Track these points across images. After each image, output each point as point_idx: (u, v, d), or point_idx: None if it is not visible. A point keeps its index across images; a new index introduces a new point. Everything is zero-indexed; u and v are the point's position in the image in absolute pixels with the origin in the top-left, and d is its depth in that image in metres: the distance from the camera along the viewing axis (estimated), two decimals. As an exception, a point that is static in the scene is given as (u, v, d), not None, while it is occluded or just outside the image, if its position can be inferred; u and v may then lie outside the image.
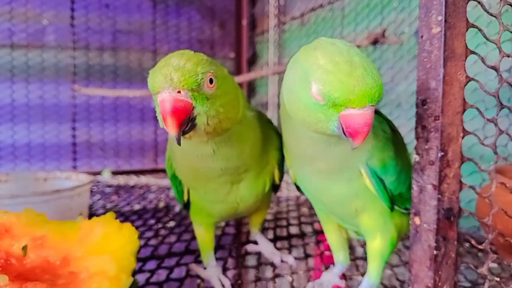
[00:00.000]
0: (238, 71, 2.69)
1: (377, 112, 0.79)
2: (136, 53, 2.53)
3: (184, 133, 0.70)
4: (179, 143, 0.69)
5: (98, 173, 2.31)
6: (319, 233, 1.31)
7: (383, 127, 0.78)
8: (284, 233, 1.34)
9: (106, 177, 2.27)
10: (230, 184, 0.91)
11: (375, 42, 1.64)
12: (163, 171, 2.39)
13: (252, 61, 2.73)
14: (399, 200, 0.80)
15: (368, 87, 0.59)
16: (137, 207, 1.67)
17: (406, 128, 1.45)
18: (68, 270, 0.75)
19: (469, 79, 0.65)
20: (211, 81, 0.71)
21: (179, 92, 0.68)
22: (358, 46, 1.70)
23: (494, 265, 1.00)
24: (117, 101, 2.49)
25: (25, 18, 2.33)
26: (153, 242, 1.23)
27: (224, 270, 1.04)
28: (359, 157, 0.75)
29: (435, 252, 0.65)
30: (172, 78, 0.67)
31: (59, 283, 0.70)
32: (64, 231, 0.83)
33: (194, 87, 0.69)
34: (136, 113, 2.53)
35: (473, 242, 0.73)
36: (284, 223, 1.44)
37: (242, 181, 0.92)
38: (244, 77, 2.54)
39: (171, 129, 0.68)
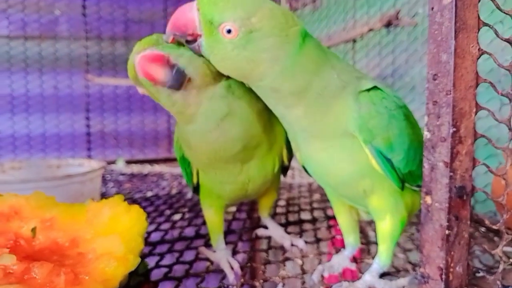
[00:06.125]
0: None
1: (379, 88, 0.76)
2: (148, 42, 2.52)
3: (178, 84, 0.75)
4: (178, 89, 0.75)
5: (112, 162, 2.33)
6: (331, 218, 1.30)
7: (386, 103, 0.74)
8: (295, 218, 1.33)
9: (120, 166, 2.29)
10: (241, 163, 0.90)
11: (388, 24, 1.61)
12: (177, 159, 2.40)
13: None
14: (409, 179, 0.78)
15: None
16: (149, 194, 1.68)
17: (421, 112, 1.41)
18: (76, 251, 0.75)
19: (482, 52, 0.62)
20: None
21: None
22: (371, 29, 1.69)
23: (510, 249, 0.97)
24: (130, 90, 2.51)
25: (38, 8, 2.35)
26: (164, 227, 1.23)
27: (234, 253, 1.03)
28: (344, 117, 0.74)
29: (447, 231, 0.63)
30: (136, 46, 0.77)
31: (67, 263, 0.71)
32: (73, 213, 0.83)
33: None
34: (149, 103, 2.53)
35: (487, 222, 0.71)
36: (295, 208, 1.43)
37: (252, 160, 0.91)
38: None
39: (156, 80, 0.73)
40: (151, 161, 2.42)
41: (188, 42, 0.74)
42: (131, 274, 0.76)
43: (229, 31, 0.68)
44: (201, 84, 0.77)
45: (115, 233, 0.77)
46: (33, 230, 0.79)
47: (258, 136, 0.87)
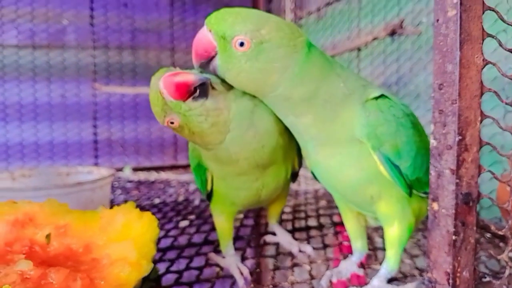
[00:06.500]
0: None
1: (386, 97, 0.78)
2: (155, 51, 2.55)
3: (205, 90, 0.78)
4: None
5: (120, 170, 2.35)
6: (338, 224, 1.31)
7: (394, 111, 0.76)
8: (302, 224, 1.35)
9: (127, 173, 2.31)
10: (262, 169, 0.92)
11: (392, 33, 1.63)
12: (182, 167, 2.43)
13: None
14: (417, 185, 0.79)
15: None
16: (157, 201, 1.70)
17: (426, 119, 1.43)
18: (90, 257, 0.77)
19: (486, 62, 0.64)
20: None
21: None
22: (375, 38, 1.71)
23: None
24: (136, 98, 2.52)
25: (46, 18, 2.38)
26: (172, 233, 1.25)
27: (243, 259, 1.04)
28: (352, 124, 0.76)
29: (453, 237, 0.64)
30: (153, 78, 0.80)
31: (82, 268, 0.72)
32: (86, 220, 0.85)
33: None
34: (155, 111, 2.55)
35: (492, 228, 0.72)
36: (302, 215, 1.44)
37: (270, 166, 0.93)
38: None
39: (187, 86, 0.77)
40: (157, 169, 2.44)
41: (202, 66, 0.79)
42: (144, 280, 0.78)
43: (241, 44, 0.71)
44: (223, 90, 0.81)
45: (128, 239, 0.78)
46: (48, 236, 0.81)
47: (283, 134, 0.89)
